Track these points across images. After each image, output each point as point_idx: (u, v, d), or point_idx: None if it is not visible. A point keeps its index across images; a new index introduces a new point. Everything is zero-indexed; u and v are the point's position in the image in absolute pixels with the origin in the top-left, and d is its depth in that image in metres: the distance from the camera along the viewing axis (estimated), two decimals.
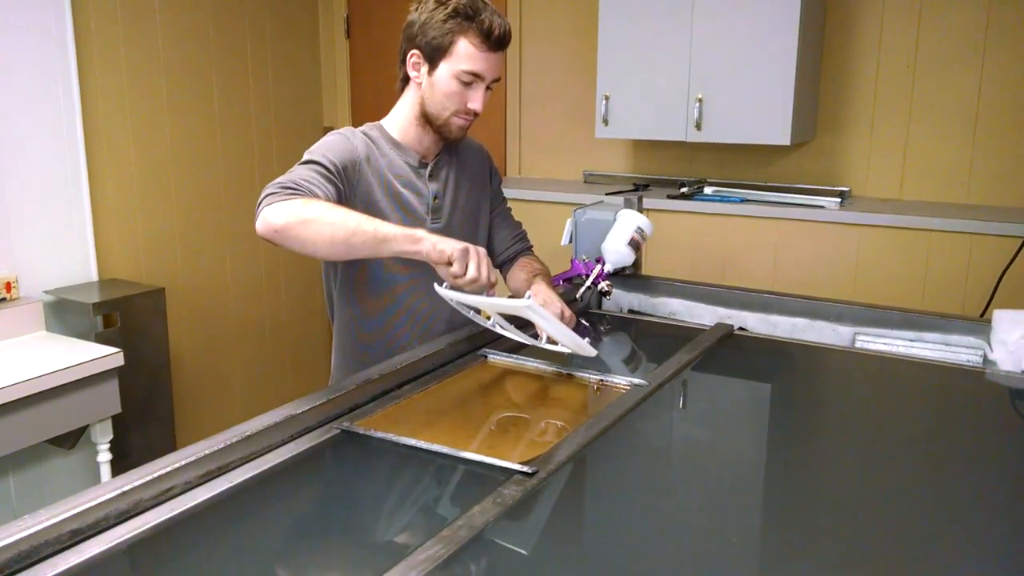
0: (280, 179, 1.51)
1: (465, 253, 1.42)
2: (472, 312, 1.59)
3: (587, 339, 1.57)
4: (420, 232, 1.44)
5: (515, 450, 1.31)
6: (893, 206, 3.03)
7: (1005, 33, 2.90)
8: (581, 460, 1.28)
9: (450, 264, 1.41)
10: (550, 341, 1.58)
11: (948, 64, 3.00)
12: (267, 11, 3.72)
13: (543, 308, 1.52)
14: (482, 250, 1.45)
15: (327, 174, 1.55)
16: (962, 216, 2.83)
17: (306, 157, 1.59)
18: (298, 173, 1.53)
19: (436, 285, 1.46)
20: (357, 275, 1.71)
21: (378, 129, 1.72)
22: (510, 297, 1.78)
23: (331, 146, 1.62)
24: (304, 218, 1.42)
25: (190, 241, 3.45)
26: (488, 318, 1.59)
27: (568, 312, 1.67)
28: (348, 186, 1.60)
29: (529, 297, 1.50)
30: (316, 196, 1.48)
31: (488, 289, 1.44)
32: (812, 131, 3.22)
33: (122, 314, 2.86)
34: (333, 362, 1.83)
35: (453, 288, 1.45)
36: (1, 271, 2.76)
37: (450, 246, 1.41)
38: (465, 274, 1.41)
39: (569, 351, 1.58)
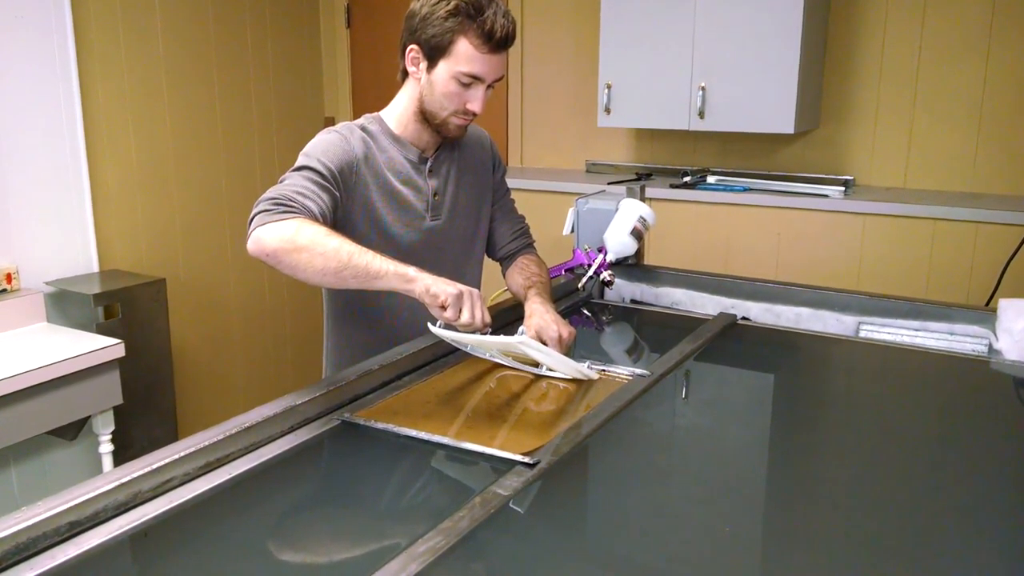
0: (273, 192, 1.46)
1: (459, 298, 1.39)
2: (469, 347, 1.59)
3: (587, 363, 1.55)
4: (412, 271, 1.40)
5: (517, 441, 1.30)
6: (897, 195, 3.02)
7: (1010, 21, 2.88)
8: (583, 450, 1.28)
9: (443, 308, 1.38)
10: (551, 369, 1.57)
11: (953, 52, 2.98)
12: (267, 0, 3.70)
13: (537, 340, 1.53)
14: (476, 292, 1.42)
15: (322, 181, 1.51)
16: (967, 205, 2.81)
17: (301, 161, 1.55)
18: (291, 183, 1.49)
19: (430, 324, 1.44)
20: None
21: (378, 122, 1.67)
22: (507, 332, 1.76)
23: (327, 148, 1.57)
24: (296, 244, 1.38)
25: (191, 232, 3.44)
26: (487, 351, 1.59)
27: (567, 332, 1.59)
28: (345, 189, 1.57)
29: (522, 332, 1.49)
30: (311, 211, 1.45)
31: (482, 330, 1.41)
32: (816, 120, 3.20)
33: (123, 305, 2.86)
34: (327, 360, 1.80)
35: (447, 327, 1.43)
36: (2, 262, 2.75)
37: (443, 290, 1.38)
38: (459, 319, 1.39)
39: (570, 377, 1.56)
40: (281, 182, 1.51)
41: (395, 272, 1.40)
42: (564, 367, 1.52)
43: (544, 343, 1.56)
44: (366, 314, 1.73)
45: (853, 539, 1.09)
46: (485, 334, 1.42)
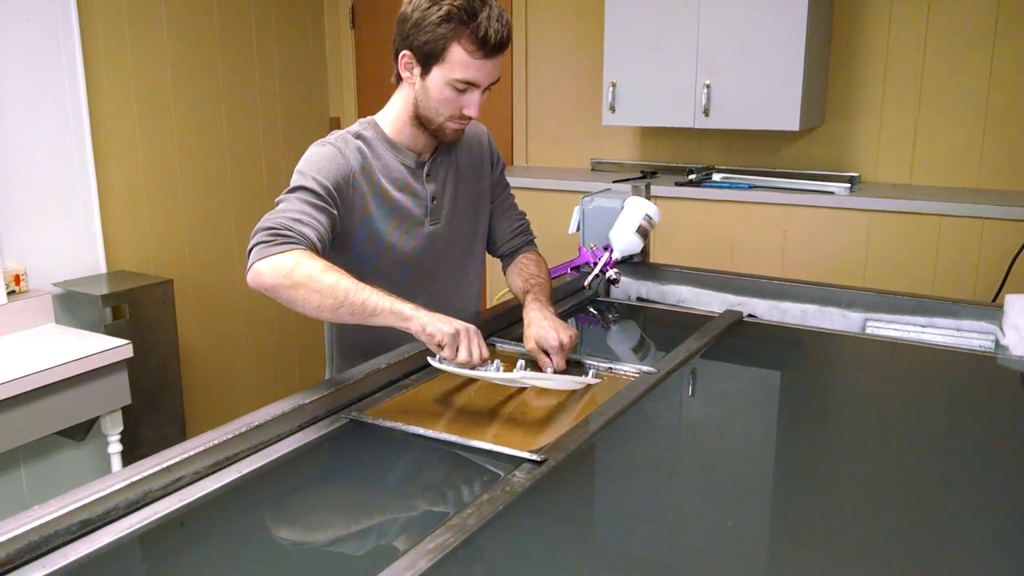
0: (270, 220, 1.45)
1: (455, 337, 1.38)
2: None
3: (591, 372, 1.54)
4: (408, 309, 1.39)
5: (524, 438, 1.30)
6: (903, 191, 3.01)
7: (1015, 17, 2.87)
8: (590, 447, 1.28)
9: (440, 347, 1.38)
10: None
11: (958, 48, 2.97)
12: (272, 1, 3.71)
13: (538, 350, 1.54)
14: (472, 328, 1.41)
15: (318, 202, 1.50)
16: (973, 201, 2.81)
17: (296, 180, 1.53)
18: (288, 208, 1.48)
19: (429, 358, 1.43)
20: (361, 280, 1.66)
21: (373, 128, 1.65)
22: (508, 333, 1.74)
23: (323, 164, 1.55)
24: (294, 280, 1.39)
25: (198, 232, 3.45)
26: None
27: (567, 337, 1.55)
28: (343, 204, 1.55)
29: (521, 366, 1.48)
30: (309, 239, 1.44)
31: (480, 365, 1.41)
32: (821, 116, 3.20)
33: (131, 306, 2.87)
34: (330, 364, 1.80)
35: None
36: (10, 264, 2.77)
37: (439, 330, 1.37)
38: (456, 357, 1.38)
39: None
40: (277, 204, 1.50)
41: (391, 310, 1.39)
42: (568, 385, 1.51)
43: (545, 352, 1.55)
44: None
45: (859, 535, 1.09)
46: (484, 369, 1.42)
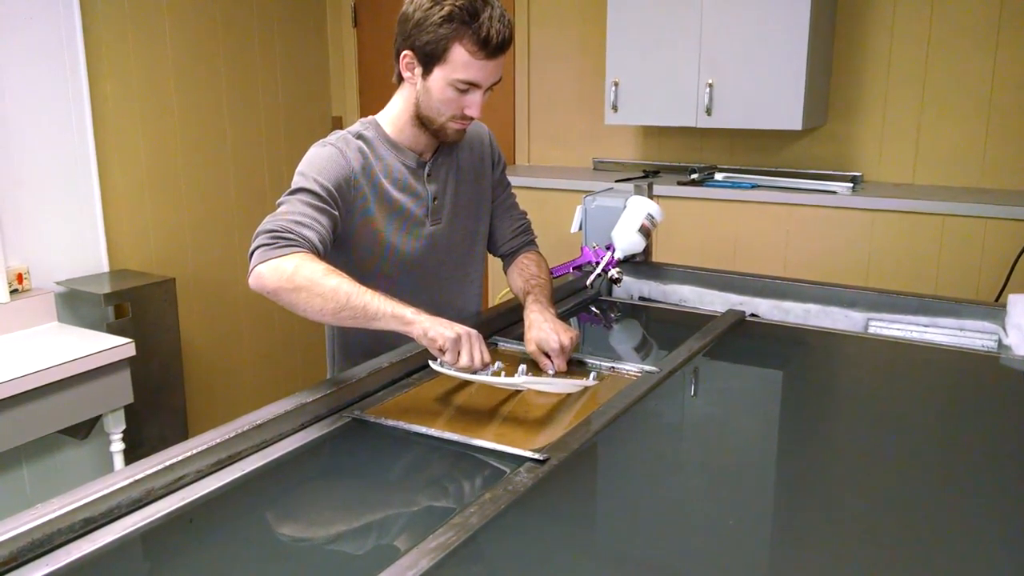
0: (271, 223, 1.45)
1: (456, 342, 1.38)
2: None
3: (592, 375, 1.53)
4: (410, 313, 1.39)
5: (526, 437, 1.30)
6: (906, 191, 3.01)
7: (1019, 15, 2.87)
8: (592, 446, 1.28)
9: (442, 351, 1.38)
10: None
11: (961, 47, 2.97)
12: (274, 0, 3.71)
13: (539, 353, 1.55)
14: (474, 333, 1.41)
15: (319, 204, 1.50)
16: (976, 200, 2.80)
17: (298, 182, 1.53)
18: (289, 210, 1.48)
19: (430, 362, 1.43)
20: (362, 281, 1.67)
21: (374, 128, 1.65)
22: (509, 332, 1.72)
23: (324, 165, 1.55)
24: (295, 284, 1.39)
25: (200, 231, 3.46)
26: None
27: (567, 340, 1.56)
28: (344, 205, 1.55)
29: (522, 371, 1.48)
30: (310, 241, 1.45)
31: (482, 370, 1.41)
32: (824, 116, 3.19)
33: (133, 304, 2.87)
34: (331, 362, 1.80)
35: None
36: (13, 263, 2.77)
37: (441, 334, 1.37)
38: (457, 362, 1.38)
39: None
40: (278, 206, 1.50)
41: (392, 314, 1.39)
42: (569, 388, 1.51)
43: (547, 355, 1.56)
44: None
45: (861, 534, 1.09)
46: (485, 373, 1.42)
